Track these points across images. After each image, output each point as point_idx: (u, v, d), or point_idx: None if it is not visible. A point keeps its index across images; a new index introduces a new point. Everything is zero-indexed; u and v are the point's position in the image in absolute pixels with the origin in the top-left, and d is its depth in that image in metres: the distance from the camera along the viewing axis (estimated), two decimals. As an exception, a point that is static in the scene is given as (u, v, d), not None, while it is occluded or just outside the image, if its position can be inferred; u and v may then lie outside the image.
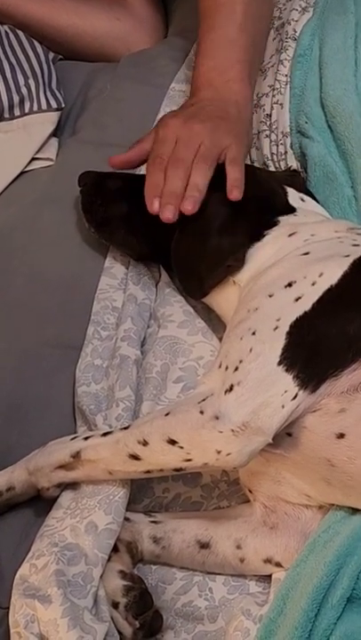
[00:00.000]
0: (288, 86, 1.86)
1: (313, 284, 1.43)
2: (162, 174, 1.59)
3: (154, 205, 1.57)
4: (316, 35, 1.88)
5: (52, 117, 1.98)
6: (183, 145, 1.61)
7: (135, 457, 1.41)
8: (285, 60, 1.87)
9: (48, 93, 1.98)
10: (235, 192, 1.58)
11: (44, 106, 1.97)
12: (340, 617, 1.31)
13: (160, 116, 1.94)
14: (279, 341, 1.38)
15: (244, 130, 1.71)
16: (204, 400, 1.38)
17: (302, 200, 1.68)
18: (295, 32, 1.90)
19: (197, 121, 1.64)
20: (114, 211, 1.73)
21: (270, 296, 1.45)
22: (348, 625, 1.30)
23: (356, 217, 1.70)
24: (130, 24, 2.18)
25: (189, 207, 1.56)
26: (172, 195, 1.57)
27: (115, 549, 1.45)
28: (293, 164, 1.81)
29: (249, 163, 1.82)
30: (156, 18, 2.22)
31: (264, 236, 1.59)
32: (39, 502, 1.51)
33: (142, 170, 1.85)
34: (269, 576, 1.46)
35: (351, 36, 1.84)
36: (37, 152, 1.96)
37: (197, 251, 1.60)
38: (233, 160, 1.61)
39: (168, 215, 1.56)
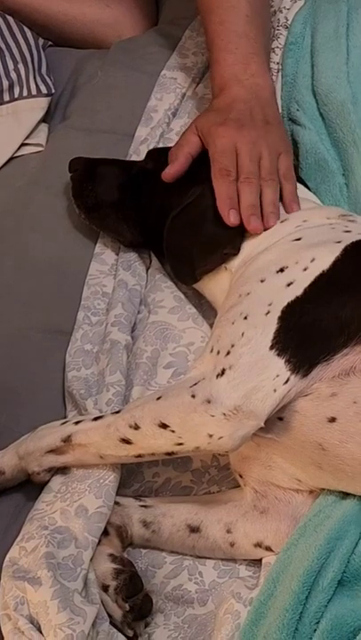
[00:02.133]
0: (280, 74, 1.87)
1: (305, 270, 1.43)
2: (234, 187, 1.61)
3: (231, 218, 1.59)
4: (307, 23, 1.89)
5: (42, 103, 1.99)
6: (247, 158, 1.63)
7: (126, 441, 1.42)
8: (277, 47, 1.89)
9: (38, 79, 1.99)
10: (294, 207, 1.63)
11: (33, 91, 1.98)
12: (330, 600, 1.31)
13: (151, 103, 1.95)
14: (271, 326, 1.39)
15: (284, 130, 1.75)
16: (195, 384, 1.38)
17: (294, 187, 1.69)
18: (287, 20, 1.91)
19: (249, 129, 1.66)
20: (104, 197, 1.74)
21: (262, 281, 1.45)
22: (338, 607, 1.31)
23: (348, 204, 1.71)
24: (120, 11, 2.18)
25: (274, 223, 1.60)
26: (253, 207, 1.60)
27: (105, 533, 1.45)
28: (285, 151, 1.82)
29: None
30: (147, 5, 2.22)
31: None
32: (29, 486, 1.52)
33: (133, 156, 1.86)
34: (259, 560, 1.46)
35: (343, 24, 1.85)
36: (27, 138, 1.97)
37: (192, 238, 1.61)
38: (286, 174, 1.67)
39: (257, 225, 1.59)
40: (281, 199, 1.64)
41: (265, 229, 1.59)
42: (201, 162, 1.67)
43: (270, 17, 1.91)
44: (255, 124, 1.67)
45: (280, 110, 1.81)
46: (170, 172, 1.67)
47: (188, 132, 1.71)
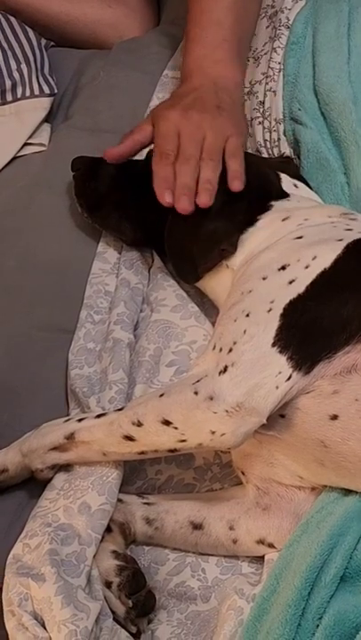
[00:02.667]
0: (281, 74, 1.87)
1: (307, 267, 1.44)
2: (171, 169, 1.62)
3: (165, 197, 1.60)
4: (309, 23, 1.90)
5: (45, 103, 1.99)
6: (188, 140, 1.63)
7: (129, 438, 1.42)
8: (279, 47, 1.88)
9: (40, 79, 1.99)
10: (236, 183, 1.62)
11: (36, 91, 1.98)
12: (333, 595, 1.32)
13: (153, 103, 1.96)
14: (273, 323, 1.39)
15: (240, 116, 1.74)
16: (198, 381, 1.39)
17: (296, 186, 1.70)
18: (288, 20, 1.91)
19: (196, 112, 1.66)
20: (107, 196, 1.75)
21: (264, 279, 1.46)
22: (341, 603, 1.31)
23: (349, 203, 1.71)
24: (122, 11, 2.19)
25: (205, 199, 1.59)
26: (186, 187, 1.60)
27: (108, 530, 1.45)
28: (286, 150, 1.82)
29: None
30: (149, 5, 2.23)
31: (257, 220, 1.61)
32: (32, 484, 1.52)
33: (137, 155, 1.86)
34: (262, 557, 1.47)
35: (344, 24, 1.85)
36: (30, 137, 1.97)
37: (191, 235, 1.61)
38: (233, 152, 1.65)
39: (185, 205, 1.59)
40: (271, 193, 1.64)
41: (200, 206, 1.59)
42: None
43: (258, 11, 1.91)
44: (204, 108, 1.67)
45: (282, 110, 1.82)
46: (112, 152, 1.70)
47: (144, 121, 1.73)
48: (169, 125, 1.65)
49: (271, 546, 1.46)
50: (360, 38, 1.84)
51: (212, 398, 1.36)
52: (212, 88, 1.71)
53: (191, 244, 1.62)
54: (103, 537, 1.44)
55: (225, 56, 1.75)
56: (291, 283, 1.43)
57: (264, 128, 1.85)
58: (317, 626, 1.30)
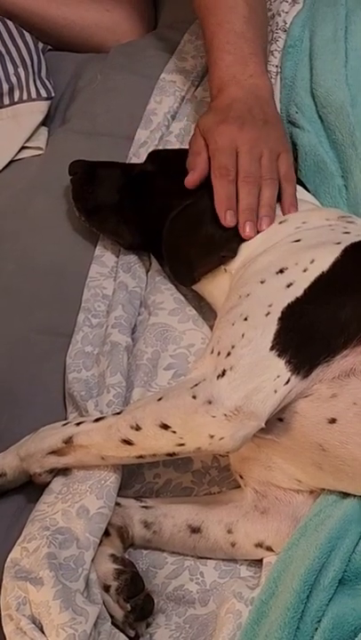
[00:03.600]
0: (279, 77, 1.88)
1: (304, 271, 1.44)
2: (232, 187, 1.62)
3: (227, 219, 1.60)
4: (306, 26, 1.90)
5: (42, 106, 1.99)
6: (248, 158, 1.63)
7: (128, 442, 1.42)
8: (276, 50, 1.89)
9: (38, 83, 1.99)
10: (292, 210, 1.64)
11: (33, 95, 1.98)
12: (331, 598, 1.32)
13: (150, 106, 1.96)
14: (271, 327, 1.39)
15: (284, 130, 1.75)
16: (196, 385, 1.39)
17: (293, 189, 1.70)
18: (285, 23, 1.92)
19: (249, 128, 1.66)
20: (104, 199, 1.75)
21: (262, 282, 1.46)
22: (339, 606, 1.31)
23: (347, 205, 1.71)
24: (119, 15, 2.19)
25: (266, 227, 1.60)
26: (250, 211, 1.60)
27: (106, 534, 1.45)
28: (284, 153, 1.83)
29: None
30: (146, 9, 2.23)
31: None
32: (30, 488, 1.52)
33: (133, 159, 1.86)
34: (260, 560, 1.47)
35: (342, 27, 1.85)
36: (27, 141, 1.97)
37: (190, 239, 1.62)
38: (288, 174, 1.67)
39: (250, 232, 1.60)
40: (280, 201, 1.65)
41: (258, 233, 1.60)
42: None
43: (267, 18, 1.92)
44: (255, 124, 1.67)
45: (279, 112, 1.82)
46: (193, 180, 1.66)
47: (196, 138, 1.71)
48: (226, 141, 1.64)
49: (270, 549, 1.46)
50: (357, 41, 1.85)
51: (210, 402, 1.36)
52: (254, 100, 1.71)
53: (189, 248, 1.62)
54: (101, 541, 1.44)
55: (257, 69, 1.75)
56: (289, 286, 1.43)
57: (262, 131, 1.85)
58: (316, 629, 1.30)
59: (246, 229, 1.60)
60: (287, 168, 1.67)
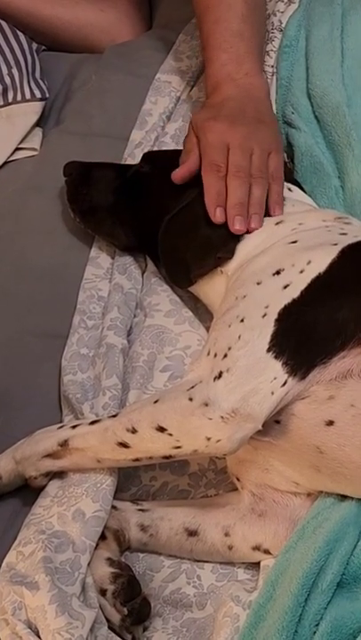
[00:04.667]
0: (274, 77, 1.87)
1: (301, 272, 1.43)
2: (222, 183, 1.60)
3: (217, 215, 1.59)
4: (302, 26, 1.90)
5: (36, 107, 1.99)
6: (238, 153, 1.62)
7: (124, 445, 1.41)
8: (271, 50, 1.89)
9: (32, 83, 1.99)
10: (277, 209, 1.63)
11: (27, 95, 1.98)
12: (330, 602, 1.31)
13: (146, 107, 1.95)
14: (268, 328, 1.39)
15: (277, 128, 1.74)
16: (193, 387, 1.38)
17: (290, 190, 1.69)
18: (281, 23, 1.91)
19: (241, 125, 1.65)
20: (100, 201, 1.74)
21: (258, 284, 1.45)
22: (338, 609, 1.30)
23: (343, 206, 1.71)
24: (114, 15, 2.18)
25: (256, 225, 1.59)
26: (240, 206, 1.59)
27: (102, 537, 1.45)
28: (280, 154, 1.82)
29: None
30: (141, 9, 2.22)
31: None
32: (25, 491, 1.51)
33: (128, 160, 1.86)
34: (258, 563, 1.46)
35: (338, 27, 1.85)
36: (21, 142, 1.97)
37: (186, 241, 1.61)
38: (276, 172, 1.66)
39: (240, 227, 1.58)
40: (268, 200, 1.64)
41: (247, 232, 1.59)
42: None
43: (266, 17, 1.91)
44: (247, 121, 1.66)
45: (275, 112, 1.82)
46: (180, 174, 1.66)
47: (190, 136, 1.70)
48: (217, 137, 1.64)
49: (267, 552, 1.45)
50: (353, 41, 1.85)
51: (207, 404, 1.36)
52: (248, 99, 1.71)
53: (185, 249, 1.61)
54: (97, 544, 1.43)
55: (252, 67, 1.75)
56: (285, 287, 1.42)
57: (258, 132, 1.84)
58: (314, 632, 1.29)
59: (235, 224, 1.58)
60: (276, 167, 1.66)
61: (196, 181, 1.64)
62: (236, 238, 1.59)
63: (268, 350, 1.37)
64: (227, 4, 1.77)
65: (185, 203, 1.63)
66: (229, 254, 1.59)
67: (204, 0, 1.80)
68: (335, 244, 1.46)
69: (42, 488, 1.49)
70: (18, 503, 1.51)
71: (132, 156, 1.87)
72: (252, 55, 1.75)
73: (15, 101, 1.97)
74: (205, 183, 1.61)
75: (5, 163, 1.96)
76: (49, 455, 1.47)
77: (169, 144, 1.86)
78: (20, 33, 2.04)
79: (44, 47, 2.13)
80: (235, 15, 1.77)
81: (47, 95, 2.00)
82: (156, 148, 1.88)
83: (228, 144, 1.63)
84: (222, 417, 1.35)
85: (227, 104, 1.69)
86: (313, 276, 1.42)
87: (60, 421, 1.58)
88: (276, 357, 1.37)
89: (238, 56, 1.74)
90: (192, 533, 1.48)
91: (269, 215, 1.62)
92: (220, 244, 1.59)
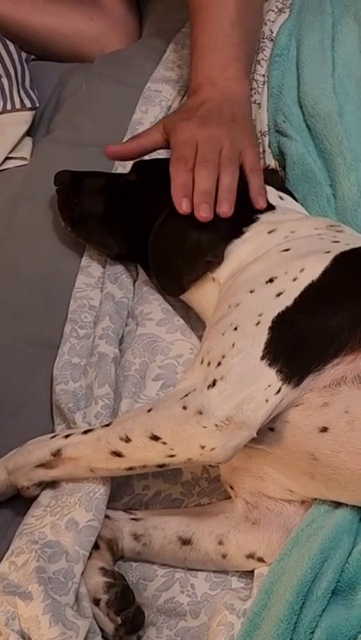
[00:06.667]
0: (265, 86, 1.88)
1: (294, 280, 1.43)
2: (190, 175, 1.60)
3: (183, 206, 1.58)
4: (293, 35, 1.91)
5: (26, 117, 1.98)
6: (207, 147, 1.62)
7: (117, 454, 1.41)
8: (262, 60, 1.90)
9: (22, 93, 1.98)
10: (260, 199, 1.62)
11: (17, 105, 1.97)
12: (325, 609, 1.31)
13: (136, 116, 1.95)
14: (262, 336, 1.39)
15: (252, 129, 1.75)
16: (186, 395, 1.38)
17: (281, 198, 1.69)
18: (272, 32, 1.92)
19: (213, 124, 1.65)
20: (90, 210, 1.74)
21: (251, 292, 1.45)
22: (333, 617, 1.30)
23: (335, 214, 1.71)
24: (104, 24, 2.18)
25: (226, 209, 1.59)
26: (206, 194, 1.58)
27: (95, 547, 1.44)
28: (271, 162, 1.83)
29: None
30: (131, 18, 2.23)
31: (243, 232, 1.60)
32: (17, 501, 1.51)
33: (119, 169, 1.86)
34: (252, 572, 1.46)
35: (328, 36, 1.86)
36: (11, 151, 1.96)
37: (175, 247, 1.61)
38: (253, 166, 1.65)
39: (205, 214, 1.57)
40: (248, 194, 1.63)
41: (221, 216, 1.58)
42: None
43: (260, 27, 1.92)
44: (220, 122, 1.67)
45: (266, 122, 1.82)
46: (113, 149, 1.70)
47: (152, 128, 1.72)
48: (187, 135, 1.64)
49: (261, 560, 1.45)
50: (344, 50, 1.86)
51: (201, 413, 1.35)
52: (224, 101, 1.71)
53: (175, 256, 1.61)
54: (91, 554, 1.43)
55: (235, 74, 1.75)
56: (279, 295, 1.42)
57: (249, 140, 1.85)
58: (310, 640, 1.29)
59: (201, 211, 1.57)
60: (252, 161, 1.66)
61: None
62: (225, 242, 1.59)
63: (262, 358, 1.37)
64: (217, 10, 1.78)
65: (172, 209, 1.63)
66: (218, 258, 1.59)
67: (196, 5, 1.81)
68: (328, 252, 1.46)
69: (34, 498, 1.48)
70: (10, 513, 1.51)
71: (123, 165, 1.87)
72: (237, 61, 1.76)
73: (5, 111, 1.96)
74: (172, 175, 1.61)
75: (-4, 172, 1.95)
76: (41, 465, 1.46)
77: (160, 153, 1.86)
78: (9, 42, 2.04)
79: (33, 56, 2.13)
80: (225, 21, 1.77)
81: (37, 104, 2.00)
82: (146, 157, 1.87)
83: (197, 141, 1.63)
84: (216, 425, 1.35)
85: (203, 105, 1.70)
86: (306, 284, 1.42)
87: (53, 431, 1.57)
88: (270, 365, 1.37)
89: (223, 61, 1.74)
90: (185, 542, 1.48)
91: (254, 208, 1.62)
92: (208, 248, 1.59)
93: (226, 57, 1.75)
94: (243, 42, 1.78)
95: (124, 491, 1.54)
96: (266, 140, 1.84)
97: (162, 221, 1.63)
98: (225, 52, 1.75)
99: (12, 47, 2.03)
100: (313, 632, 1.29)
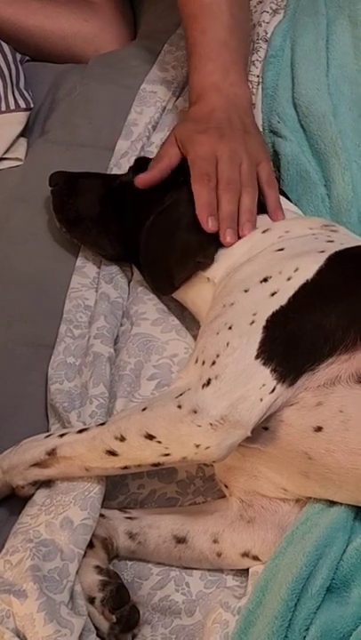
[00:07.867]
0: (260, 87, 1.89)
1: (288, 279, 1.44)
2: (213, 194, 1.62)
3: (210, 224, 1.59)
4: (287, 36, 1.91)
5: (21, 117, 1.98)
6: (228, 165, 1.64)
7: (112, 453, 1.41)
8: (257, 60, 1.90)
9: (16, 93, 1.98)
10: (278, 214, 1.64)
11: (12, 106, 1.97)
12: (319, 606, 1.31)
13: (131, 117, 1.95)
14: (256, 335, 1.39)
15: (262, 139, 1.76)
16: (181, 395, 1.38)
17: (276, 198, 1.70)
18: (266, 33, 1.93)
19: (229, 138, 1.67)
20: (85, 210, 1.75)
21: (246, 291, 1.46)
22: (327, 614, 1.31)
23: (330, 214, 1.72)
24: (98, 25, 2.18)
25: (247, 232, 1.61)
26: (231, 218, 1.60)
27: (90, 545, 1.44)
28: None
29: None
30: (125, 19, 2.23)
31: None
32: (12, 500, 1.51)
33: (114, 170, 1.86)
34: (246, 570, 1.46)
35: (323, 37, 1.87)
36: (6, 152, 1.96)
37: (166, 245, 1.61)
38: (269, 179, 1.68)
39: (231, 240, 1.59)
40: (266, 207, 1.65)
41: (239, 238, 1.60)
42: (178, 170, 1.68)
43: (250, 31, 1.92)
44: (235, 134, 1.68)
45: (261, 122, 1.83)
46: (143, 178, 1.68)
47: (168, 144, 1.71)
48: (207, 149, 1.65)
49: (256, 558, 1.45)
50: (338, 51, 1.86)
51: (195, 412, 1.36)
52: (233, 109, 1.72)
53: (165, 254, 1.61)
54: (86, 552, 1.43)
55: (237, 78, 1.75)
56: (273, 295, 1.43)
57: (244, 141, 1.85)
58: (304, 637, 1.29)
59: (227, 237, 1.59)
60: (268, 175, 1.68)
61: (175, 187, 1.64)
62: (216, 244, 1.60)
63: (257, 357, 1.38)
64: (213, 15, 1.78)
65: (162, 208, 1.63)
66: (209, 260, 1.59)
67: (191, 10, 1.80)
68: (322, 252, 1.47)
69: (29, 497, 1.48)
70: (5, 512, 1.51)
71: (118, 166, 1.87)
72: (237, 66, 1.76)
73: (-1, 112, 1.97)
74: (196, 194, 1.61)
75: (-11, 172, 1.95)
76: (36, 464, 1.46)
77: (155, 154, 1.86)
78: (3, 43, 2.04)
79: (27, 57, 2.12)
80: (221, 26, 1.78)
81: (32, 105, 2.00)
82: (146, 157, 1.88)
83: (217, 156, 1.64)
84: (211, 424, 1.35)
85: (214, 115, 1.70)
86: (300, 284, 1.43)
87: (48, 430, 1.57)
88: (264, 364, 1.37)
89: (225, 66, 1.75)
90: (180, 541, 1.48)
91: (272, 220, 1.63)
92: (197, 249, 1.60)
93: (226, 62, 1.75)
94: (239, 47, 1.79)
95: (119, 489, 1.55)
96: (260, 140, 1.84)
97: (152, 220, 1.64)
98: (225, 57, 1.76)
99: (6, 48, 2.03)
100: (308, 629, 1.30)
